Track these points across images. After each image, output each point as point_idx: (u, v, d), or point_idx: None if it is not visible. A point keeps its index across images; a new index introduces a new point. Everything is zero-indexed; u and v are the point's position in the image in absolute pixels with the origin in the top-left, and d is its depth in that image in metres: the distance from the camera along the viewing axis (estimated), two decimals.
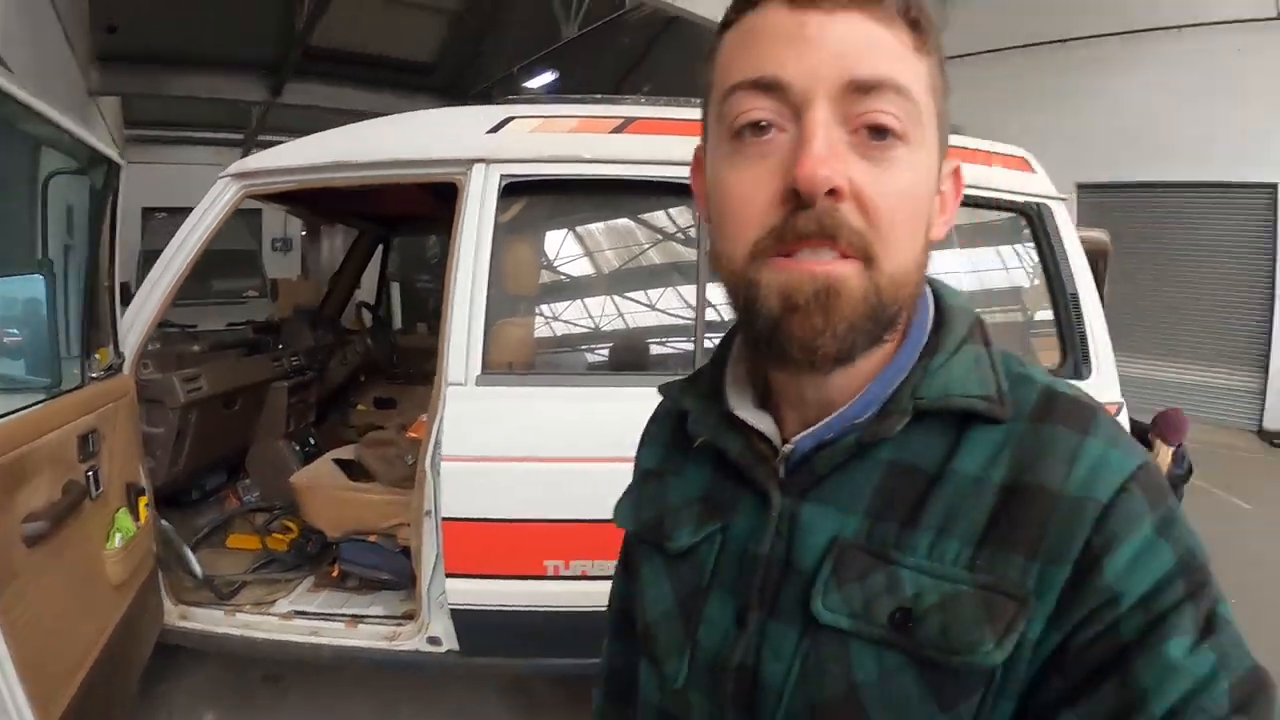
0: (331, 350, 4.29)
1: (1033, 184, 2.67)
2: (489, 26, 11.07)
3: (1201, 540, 0.50)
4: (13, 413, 1.52)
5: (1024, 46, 8.62)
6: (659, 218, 2.64)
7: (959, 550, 0.52)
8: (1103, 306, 4.14)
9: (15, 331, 1.86)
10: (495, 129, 2.49)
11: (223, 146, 13.04)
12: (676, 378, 0.73)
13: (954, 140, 2.32)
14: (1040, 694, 0.49)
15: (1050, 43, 8.38)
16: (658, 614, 0.66)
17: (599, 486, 2.10)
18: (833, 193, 0.49)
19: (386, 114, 2.65)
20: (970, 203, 2.58)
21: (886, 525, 0.54)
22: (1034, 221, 2.60)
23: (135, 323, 2.37)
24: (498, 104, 2.59)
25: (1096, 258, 5.84)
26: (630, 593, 0.74)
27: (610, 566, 2.14)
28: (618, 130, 2.49)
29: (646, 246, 2.75)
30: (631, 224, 2.72)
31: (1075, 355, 2.53)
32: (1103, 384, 2.49)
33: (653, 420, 0.77)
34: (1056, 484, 0.51)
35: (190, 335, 3.39)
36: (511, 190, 2.47)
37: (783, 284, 0.51)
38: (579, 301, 2.78)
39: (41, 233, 1.82)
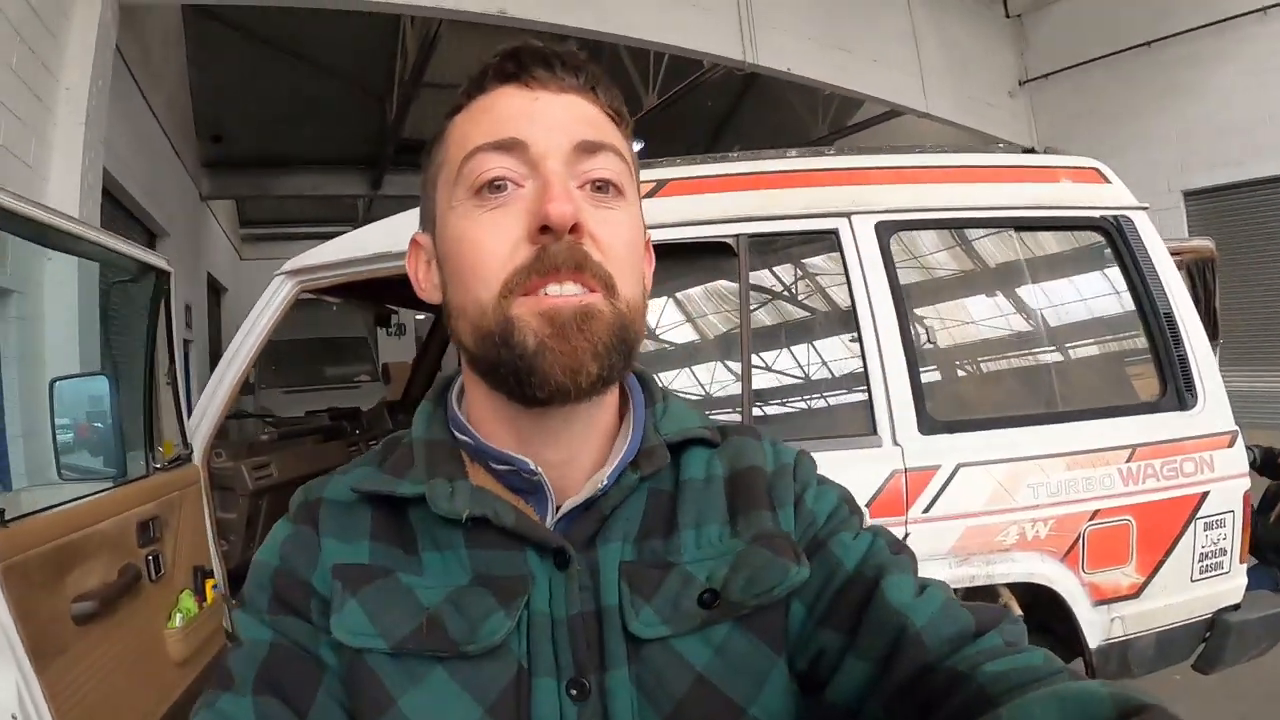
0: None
1: (1108, 196, 2.48)
2: None
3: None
4: (69, 501, 1.72)
5: (1110, 55, 8.30)
6: (697, 275, 2.63)
7: (720, 530, 0.63)
8: (1216, 321, 3.81)
9: (73, 425, 2.10)
10: None
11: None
12: (336, 473, 0.68)
13: (1013, 160, 2.38)
14: None
15: (1136, 47, 8.05)
16: None
17: None
18: (575, 229, 0.56)
19: None
20: (1036, 225, 2.48)
21: (653, 541, 0.62)
22: (1113, 236, 2.41)
23: (205, 414, 2.57)
24: None
25: (1203, 267, 5.36)
26: None
27: None
28: (652, 194, 2.49)
29: (691, 306, 2.77)
30: (672, 283, 2.75)
31: (1176, 383, 2.30)
32: (1211, 413, 2.29)
33: (317, 515, 0.64)
34: (761, 462, 0.68)
35: (266, 424, 3.65)
36: None
37: (543, 310, 0.55)
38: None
39: (104, 337, 2.07)
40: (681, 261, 2.53)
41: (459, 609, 0.58)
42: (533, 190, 0.58)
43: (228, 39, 8.43)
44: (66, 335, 3.85)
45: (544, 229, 0.56)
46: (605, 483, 0.61)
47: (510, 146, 0.58)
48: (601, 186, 0.60)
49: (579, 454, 0.63)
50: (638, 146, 7.44)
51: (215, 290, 12.29)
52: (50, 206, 1.99)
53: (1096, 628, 2.19)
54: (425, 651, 0.57)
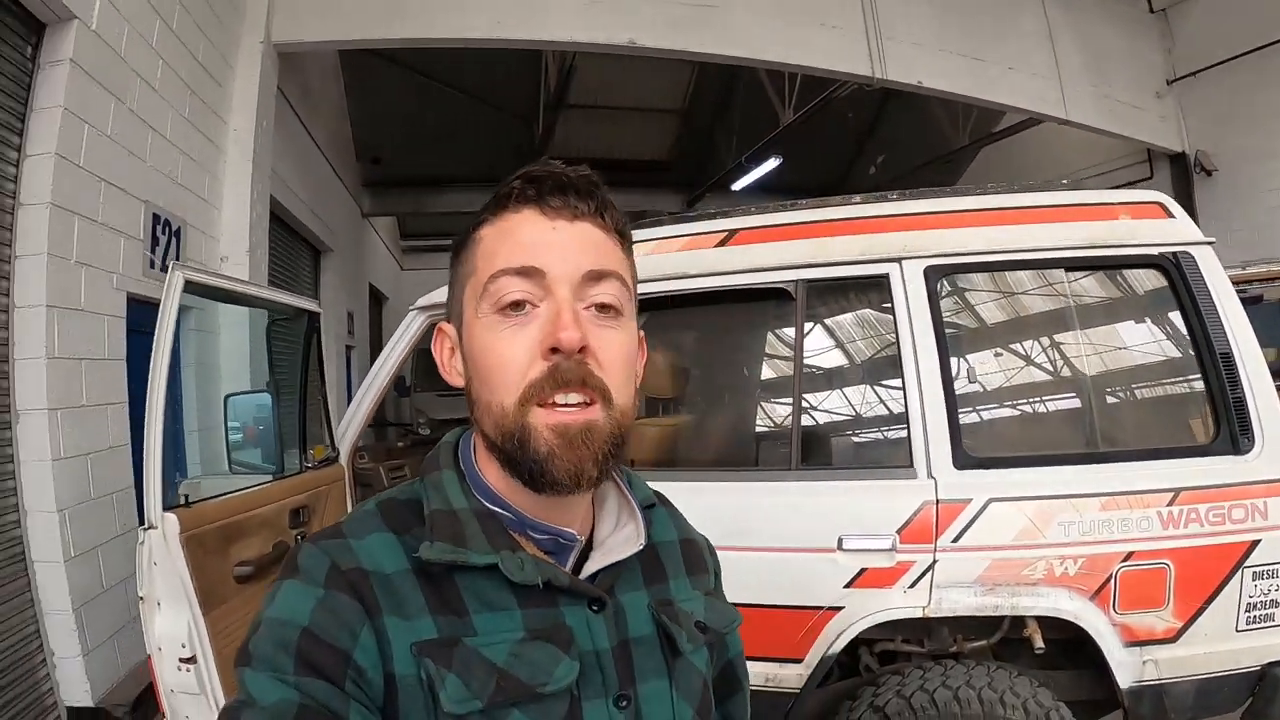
0: None
1: (1170, 231, 2.46)
2: (715, 120, 11.95)
3: None
4: (237, 490, 2.28)
5: (1264, 48, 7.75)
6: (761, 320, 2.85)
7: (685, 582, 0.88)
8: None
9: (242, 430, 2.72)
10: None
11: None
12: (348, 538, 0.72)
13: (1069, 198, 2.55)
14: None
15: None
16: None
17: None
18: (583, 350, 0.70)
19: (635, 212, 3.04)
20: (1090, 265, 2.49)
21: (655, 587, 0.84)
22: (1171, 274, 2.40)
23: (350, 424, 3.14)
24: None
25: None
26: None
27: None
28: (722, 244, 2.74)
29: (751, 349, 3.01)
30: (737, 328, 2.99)
31: (1230, 426, 2.28)
32: (1270, 459, 2.25)
33: (362, 589, 0.69)
34: (694, 536, 0.95)
35: (405, 432, 4.25)
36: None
37: (554, 424, 0.69)
38: (689, 401, 3.08)
39: (269, 363, 2.67)
40: (745, 305, 2.78)
41: (523, 659, 0.69)
42: (547, 311, 0.71)
43: (382, 70, 9.35)
44: (238, 359, 4.65)
45: (555, 349, 0.69)
46: (639, 547, 0.80)
47: (530, 273, 0.71)
48: (604, 309, 0.73)
49: (581, 519, 0.80)
50: (774, 164, 7.79)
51: (377, 299, 13.53)
52: (226, 274, 2.65)
53: (1127, 668, 2.25)
54: (508, 701, 0.67)
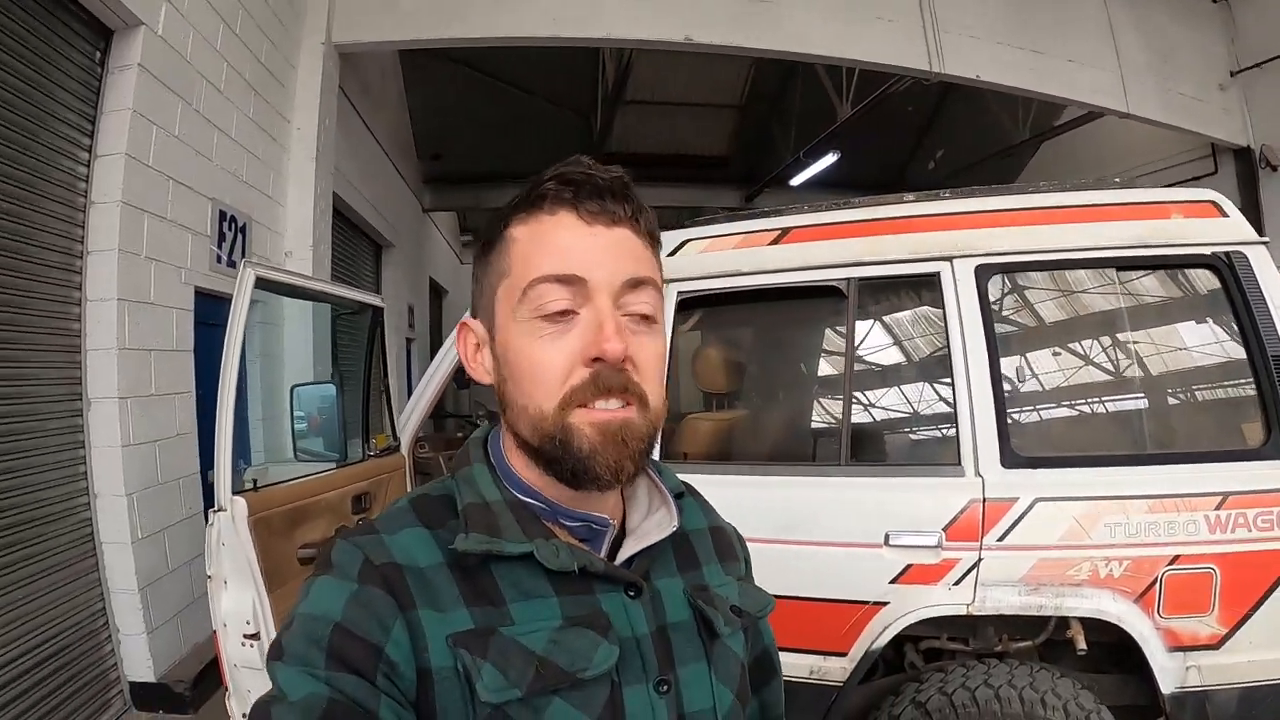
0: None
1: (1223, 231, 2.45)
2: (773, 115, 11.93)
3: None
4: (302, 477, 2.41)
5: None
6: (813, 317, 2.90)
7: (717, 568, 0.89)
8: None
9: (308, 418, 2.86)
10: (673, 252, 2.90)
11: None
12: (381, 534, 0.73)
13: (1120, 197, 2.54)
14: None
15: None
16: None
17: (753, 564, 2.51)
18: (625, 359, 0.71)
19: (693, 208, 3.13)
20: (1140, 265, 2.49)
21: (690, 573, 0.85)
22: (1224, 274, 2.40)
23: (411, 416, 3.26)
24: (680, 228, 2.99)
25: None
26: None
27: None
28: (775, 241, 2.78)
29: (801, 344, 3.06)
30: (789, 325, 3.05)
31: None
32: None
33: (395, 583, 0.69)
34: (722, 524, 0.96)
35: (464, 423, 4.39)
36: (687, 304, 2.88)
37: (595, 423, 0.71)
38: (742, 397, 3.14)
39: (333, 356, 2.82)
40: (798, 303, 2.83)
41: (562, 646, 0.69)
42: (588, 319, 0.72)
43: (441, 69, 9.56)
44: (303, 351, 4.84)
45: (598, 358, 0.71)
46: (672, 530, 0.81)
47: (571, 280, 0.71)
48: (642, 317, 0.75)
49: (612, 507, 0.81)
50: (832, 159, 7.75)
51: (437, 293, 13.83)
52: (293, 271, 2.78)
53: (1170, 674, 2.24)
54: (548, 689, 0.68)
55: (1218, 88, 8.32)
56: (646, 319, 0.76)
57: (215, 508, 2.41)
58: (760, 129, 12.24)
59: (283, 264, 5.47)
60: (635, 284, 0.74)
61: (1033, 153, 11.30)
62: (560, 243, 0.73)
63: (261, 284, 2.58)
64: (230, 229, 4.71)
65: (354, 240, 7.93)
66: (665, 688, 0.75)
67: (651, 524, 0.82)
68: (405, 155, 10.60)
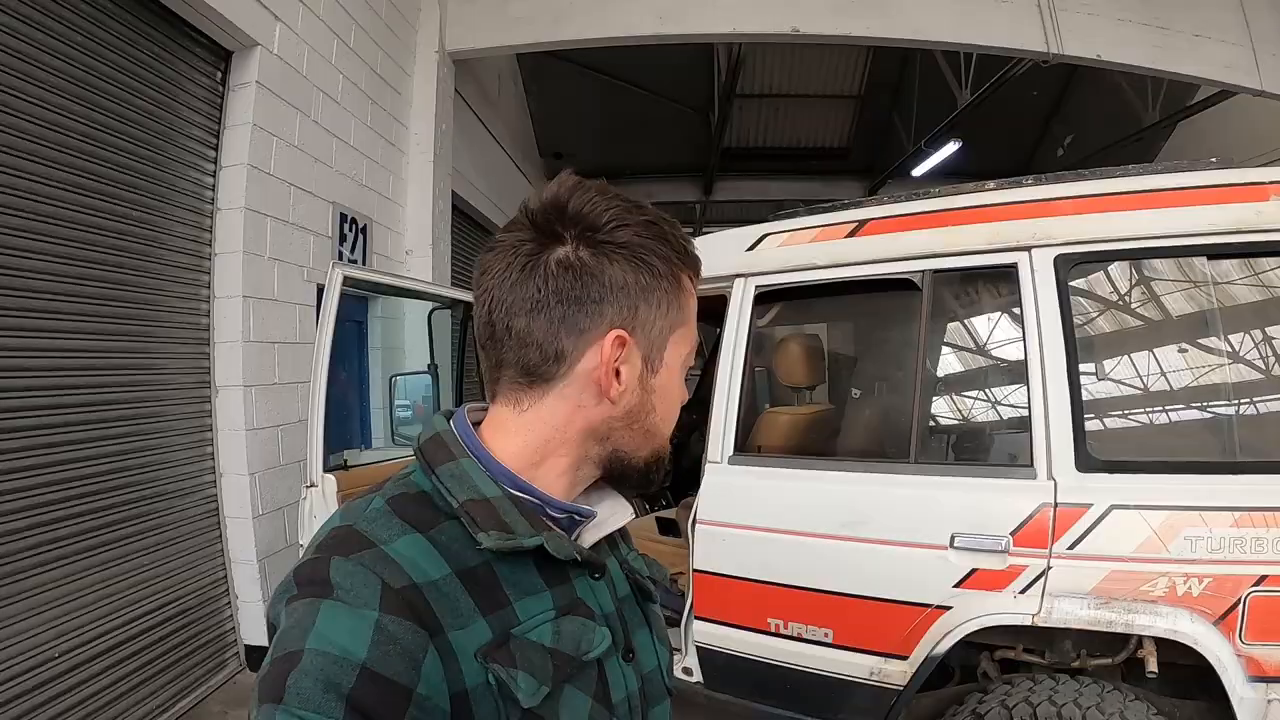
0: (694, 428, 5.08)
1: None
2: (892, 105, 11.62)
3: None
4: (395, 459, 2.62)
5: None
6: (888, 310, 2.85)
7: (626, 545, 0.95)
8: None
9: (411, 405, 3.08)
10: (752, 247, 2.94)
11: None
12: (382, 549, 0.67)
13: (1212, 178, 2.35)
14: None
15: None
16: None
17: (817, 559, 2.51)
18: None
19: (811, 200, 3.17)
20: (1233, 252, 2.29)
21: (618, 550, 0.92)
22: None
23: None
24: (760, 224, 3.04)
25: None
26: None
27: (821, 633, 2.48)
28: (852, 234, 2.76)
29: (877, 338, 3.02)
30: (864, 319, 3.01)
31: None
32: None
33: (420, 607, 0.65)
34: None
35: None
36: (765, 298, 2.91)
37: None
38: (816, 391, 3.12)
39: (430, 348, 3.03)
40: (873, 296, 2.79)
41: (564, 635, 0.73)
42: None
43: (558, 70, 9.82)
44: (412, 340, 5.17)
45: None
46: (629, 518, 0.89)
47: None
48: None
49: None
50: (954, 148, 7.63)
51: None
52: (379, 270, 3.02)
53: (1249, 705, 2.06)
54: (562, 679, 0.72)
55: None
56: None
57: (308, 483, 2.65)
58: (880, 119, 11.94)
59: (404, 263, 5.84)
60: None
61: (1167, 135, 10.41)
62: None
63: (350, 282, 2.82)
64: (351, 230, 5.05)
65: (476, 237, 8.29)
66: (630, 655, 0.83)
67: (606, 510, 0.86)
68: (528, 155, 10.99)
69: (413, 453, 0.82)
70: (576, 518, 0.82)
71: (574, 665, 0.73)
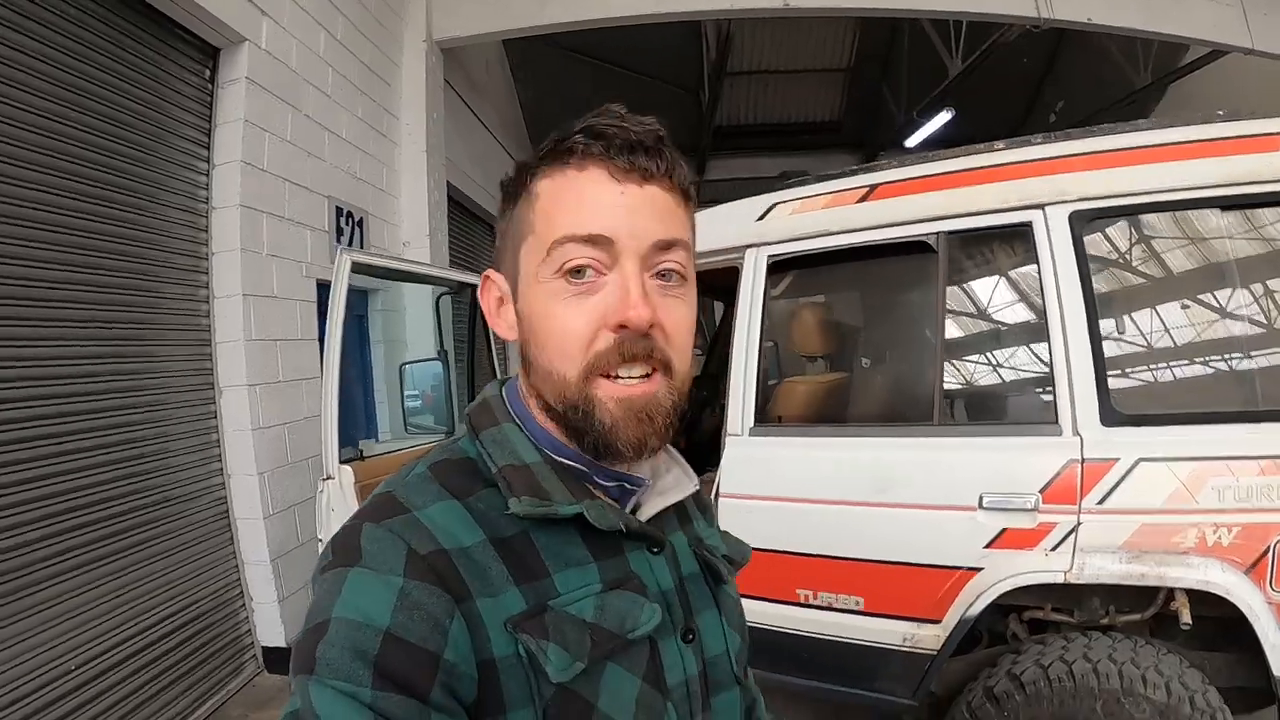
0: (706, 403, 5.09)
1: None
2: (882, 76, 11.65)
3: None
4: (410, 448, 2.61)
5: None
6: (904, 274, 2.84)
7: (703, 521, 0.93)
8: None
9: (420, 394, 3.08)
10: (763, 216, 2.94)
11: None
12: (415, 514, 0.67)
13: (1225, 130, 2.35)
14: None
15: None
16: (625, 710, 0.70)
17: (844, 527, 2.52)
18: (651, 326, 0.70)
19: (805, 174, 3.15)
20: (1250, 203, 2.29)
21: (688, 526, 0.89)
22: None
23: None
24: (768, 194, 3.03)
25: None
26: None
27: (852, 601, 2.50)
28: (863, 199, 2.75)
29: (893, 304, 3.02)
30: (881, 283, 3.01)
31: None
32: None
33: (446, 572, 0.65)
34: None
35: None
36: (778, 267, 2.91)
37: (619, 398, 0.70)
38: (834, 358, 3.12)
39: (438, 334, 3.03)
40: (888, 260, 2.79)
41: (609, 610, 0.70)
42: (615, 283, 0.70)
43: (546, 55, 9.85)
44: (414, 332, 5.16)
45: (624, 325, 0.69)
46: (693, 489, 0.85)
47: (597, 241, 0.69)
48: (668, 276, 0.73)
49: (644, 467, 0.82)
50: (946, 117, 7.69)
51: None
52: (387, 254, 3.02)
53: None
54: (603, 655, 0.69)
55: None
56: (677, 282, 0.74)
57: (324, 476, 2.65)
58: (871, 91, 12.02)
59: (401, 254, 5.82)
60: (666, 245, 0.72)
61: (1158, 98, 10.49)
62: (587, 201, 0.71)
63: (358, 268, 2.82)
64: (347, 224, 5.04)
65: (472, 227, 8.28)
66: (691, 636, 0.78)
67: (669, 481, 0.84)
68: (519, 141, 10.96)
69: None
70: (628, 486, 0.78)
71: (618, 643, 0.70)
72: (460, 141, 7.52)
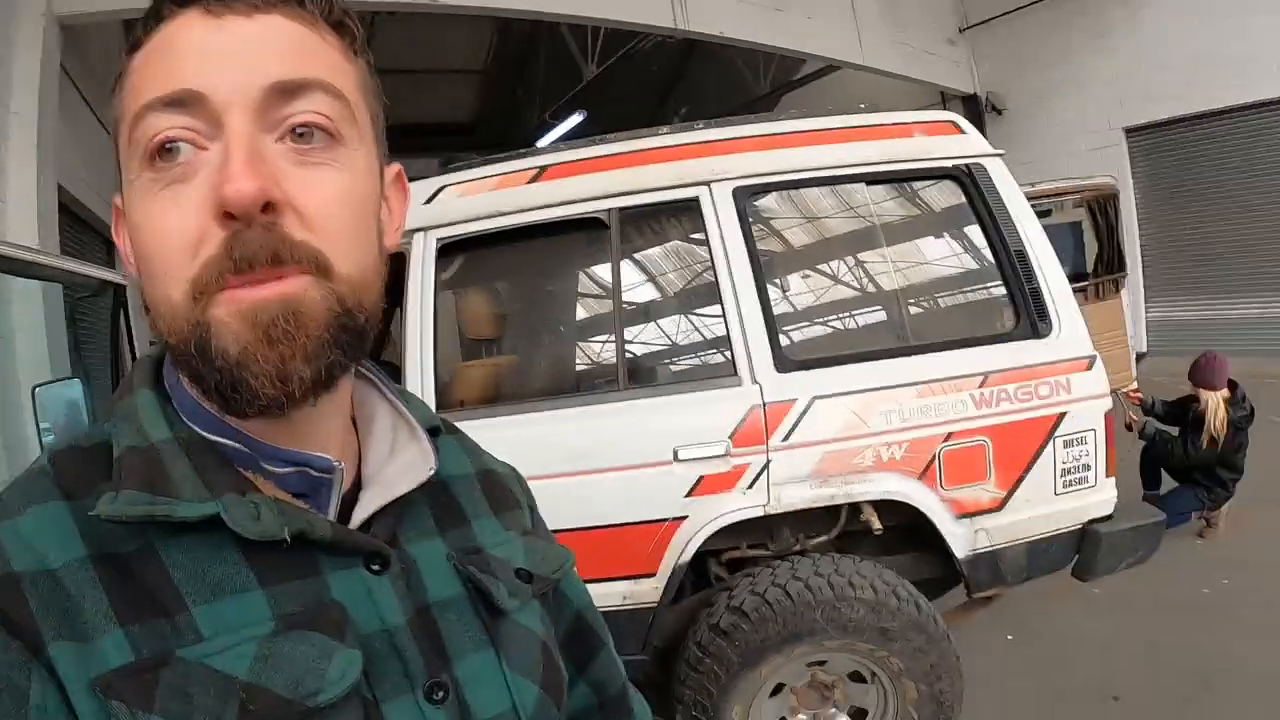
0: None
1: (962, 146, 2.75)
2: (517, 79, 12.06)
3: None
4: None
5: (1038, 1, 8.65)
6: (579, 250, 2.93)
7: (493, 523, 0.68)
8: (1121, 254, 4.03)
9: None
10: (430, 199, 2.83)
11: None
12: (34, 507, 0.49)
13: (867, 119, 2.79)
14: None
15: None
16: None
17: (545, 501, 2.45)
18: (270, 207, 0.47)
19: (470, 157, 2.98)
20: (889, 179, 2.73)
21: (456, 531, 0.64)
22: (965, 184, 2.68)
23: None
24: (434, 177, 2.92)
25: (1104, 204, 5.77)
26: None
27: None
28: (534, 180, 2.77)
29: (569, 278, 3.08)
30: (556, 261, 3.05)
31: (1029, 315, 2.57)
32: (1067, 341, 2.57)
33: (14, 604, 0.45)
34: (495, 466, 0.75)
35: None
36: (449, 250, 2.81)
37: (240, 311, 0.47)
38: (513, 338, 3.11)
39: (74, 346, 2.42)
40: (561, 238, 2.83)
41: (278, 662, 0.48)
42: (218, 155, 0.48)
43: None
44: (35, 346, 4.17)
45: (228, 213, 0.47)
46: (429, 474, 0.60)
47: (184, 101, 0.48)
48: (305, 134, 0.50)
49: (339, 444, 0.59)
50: (578, 119, 7.89)
51: None
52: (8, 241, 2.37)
53: (961, 539, 2.50)
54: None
55: (947, 41, 9.43)
56: (320, 134, 0.51)
57: None
58: (506, 94, 12.41)
59: None
60: (290, 90, 0.49)
61: (773, 106, 12.14)
62: (174, 51, 0.49)
63: None
64: None
65: (85, 239, 6.92)
66: (441, 694, 0.54)
67: (398, 468, 0.61)
68: None
69: None
70: (312, 472, 0.55)
71: (291, 712, 0.47)
72: (74, 139, 6.35)
